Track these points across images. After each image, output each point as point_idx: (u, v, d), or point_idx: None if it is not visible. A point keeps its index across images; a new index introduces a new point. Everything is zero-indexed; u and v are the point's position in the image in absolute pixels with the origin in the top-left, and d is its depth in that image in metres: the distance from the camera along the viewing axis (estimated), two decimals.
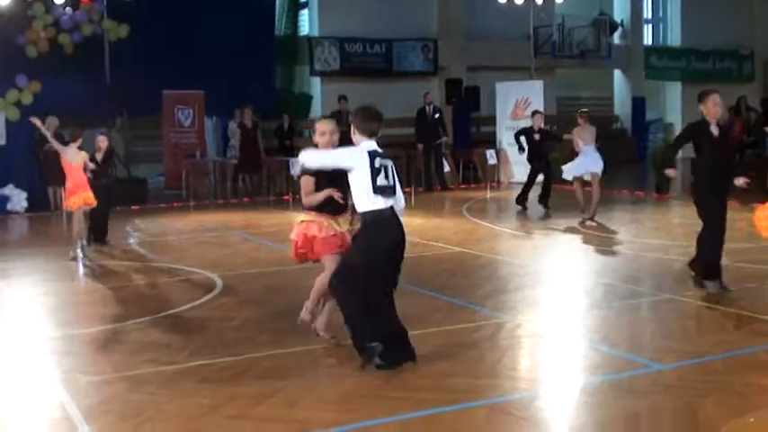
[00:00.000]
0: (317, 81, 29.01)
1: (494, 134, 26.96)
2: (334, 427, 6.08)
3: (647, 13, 36.65)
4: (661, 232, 15.41)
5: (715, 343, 8.10)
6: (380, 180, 7.26)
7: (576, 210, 16.78)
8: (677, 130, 32.71)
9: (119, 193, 21.54)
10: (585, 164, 16.67)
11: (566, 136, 17.91)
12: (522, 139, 19.11)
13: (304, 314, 8.22)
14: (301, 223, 8.04)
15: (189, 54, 23.28)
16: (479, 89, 29.11)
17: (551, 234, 15.73)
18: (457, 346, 8.12)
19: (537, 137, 18.80)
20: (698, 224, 10.25)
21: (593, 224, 16.11)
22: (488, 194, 22.45)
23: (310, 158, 7.53)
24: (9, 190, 20.66)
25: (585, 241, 14.76)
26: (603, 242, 14.46)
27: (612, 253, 13.43)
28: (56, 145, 14.58)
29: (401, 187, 7.75)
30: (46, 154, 20.65)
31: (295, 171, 7.80)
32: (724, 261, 10.33)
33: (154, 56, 22.50)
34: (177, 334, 8.83)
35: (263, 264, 12.43)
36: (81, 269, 13.20)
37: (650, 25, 36.98)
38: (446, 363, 7.59)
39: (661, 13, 37.17)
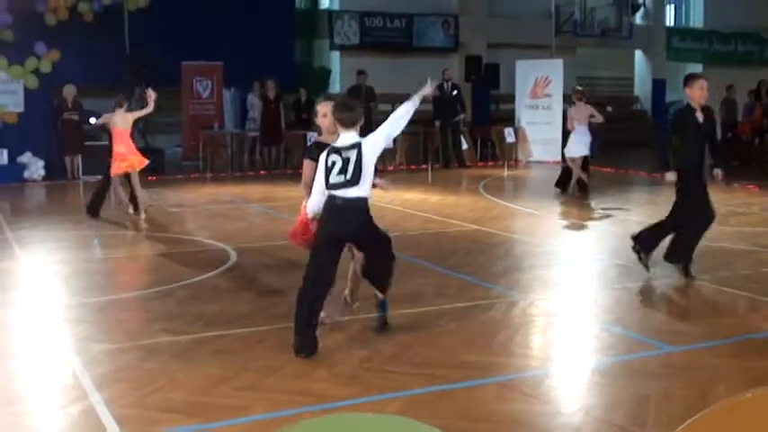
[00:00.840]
0: (336, 55, 28.95)
1: (512, 112, 26.87)
2: (344, 401, 6.10)
3: None
4: None
5: (727, 326, 8.09)
6: (333, 177, 7.20)
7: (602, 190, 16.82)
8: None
9: None
10: (586, 144, 16.93)
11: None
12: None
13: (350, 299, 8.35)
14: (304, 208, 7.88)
15: (208, 26, 23.28)
16: (499, 66, 29.00)
17: (567, 214, 15.71)
18: (469, 324, 8.13)
19: None
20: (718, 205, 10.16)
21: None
22: (506, 173, 22.39)
23: (313, 205, 7.55)
24: (26, 158, 20.72)
25: (601, 222, 14.74)
26: (619, 223, 14.42)
27: (627, 234, 13.36)
28: (105, 119, 14.65)
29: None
30: (63, 122, 20.73)
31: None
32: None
33: (173, 27, 22.50)
34: (191, 305, 8.86)
35: (279, 237, 12.41)
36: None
37: (673, 6, 36.72)
38: (458, 339, 7.60)
39: None
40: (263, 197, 17.49)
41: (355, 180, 7.18)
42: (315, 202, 7.47)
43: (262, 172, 22.09)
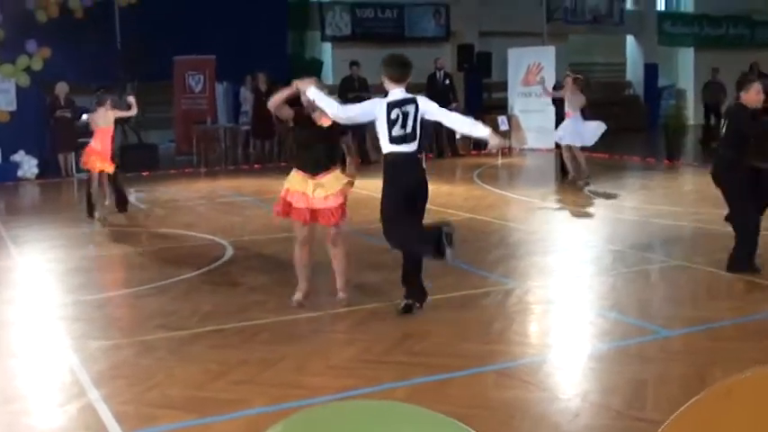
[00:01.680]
0: (328, 46, 28.90)
1: (505, 100, 26.86)
2: (342, 392, 6.10)
3: None
4: (671, 199, 15.37)
5: (724, 309, 8.11)
6: (396, 130, 7.65)
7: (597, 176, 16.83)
8: (689, 96, 32.58)
9: (133, 158, 21.68)
10: (582, 133, 16.83)
11: (554, 94, 18.01)
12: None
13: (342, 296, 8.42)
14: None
15: (200, 19, 23.21)
16: (491, 55, 28.96)
17: (561, 201, 15.71)
18: (466, 312, 8.15)
19: None
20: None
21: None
22: (499, 161, 22.39)
23: (339, 110, 7.91)
24: (20, 156, 20.69)
25: (595, 208, 14.75)
26: (613, 209, 14.45)
27: (622, 220, 13.40)
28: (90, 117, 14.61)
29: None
30: (56, 120, 20.69)
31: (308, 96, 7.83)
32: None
33: (164, 21, 22.43)
34: (187, 300, 8.86)
35: (274, 230, 12.40)
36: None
37: None
38: (455, 328, 7.61)
39: None
40: (257, 191, 17.46)
41: (415, 134, 7.74)
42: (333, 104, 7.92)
43: (255, 165, 22.05)
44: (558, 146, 18.22)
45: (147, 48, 21.80)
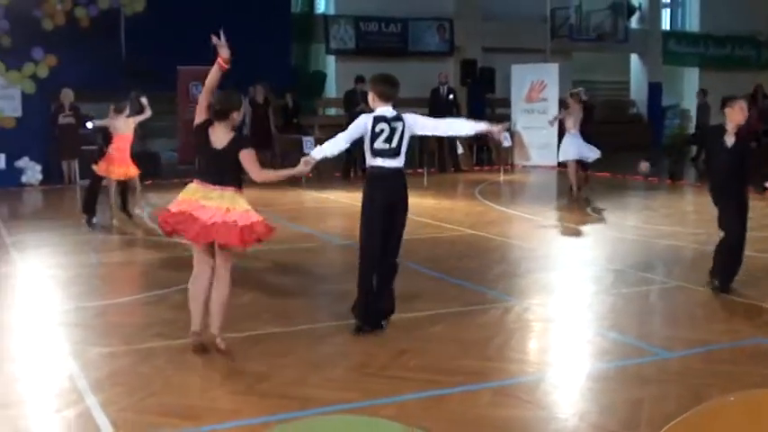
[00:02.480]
0: (331, 60, 28.97)
1: (509, 116, 26.89)
2: (337, 405, 6.12)
3: None
4: (673, 219, 15.38)
5: (723, 332, 8.12)
6: (378, 143, 7.76)
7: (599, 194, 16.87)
8: (693, 116, 32.64)
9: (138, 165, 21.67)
10: (582, 148, 17.05)
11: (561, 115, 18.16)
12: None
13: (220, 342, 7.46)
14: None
15: (204, 30, 23.03)
16: (495, 70, 29.03)
17: (563, 219, 15.72)
18: (465, 329, 8.15)
19: None
20: (709, 211, 10.12)
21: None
22: (502, 177, 22.42)
23: (326, 148, 8.04)
24: (24, 162, 20.75)
25: (597, 227, 14.76)
26: (615, 228, 14.45)
27: (623, 239, 13.41)
28: (105, 123, 14.70)
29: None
30: (60, 127, 20.74)
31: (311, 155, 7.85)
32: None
33: (169, 31, 22.48)
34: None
35: (273, 241, 12.34)
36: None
37: (668, 9, 36.77)
38: (453, 344, 7.62)
39: None
40: (258, 202, 17.41)
41: (398, 150, 7.80)
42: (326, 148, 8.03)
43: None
44: (562, 164, 18.33)
45: (152, 57, 21.87)
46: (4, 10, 20.49)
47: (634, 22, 33.68)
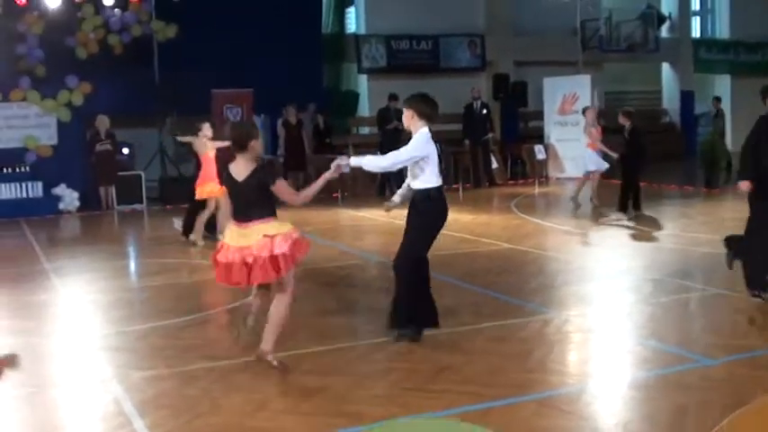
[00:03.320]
0: (364, 79, 29.08)
1: (541, 129, 26.89)
2: (382, 421, 6.14)
3: (695, 5, 36.30)
4: (710, 227, 15.29)
5: (765, 338, 8.09)
6: (441, 164, 8.10)
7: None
8: (727, 123, 32.44)
9: (173, 191, 21.94)
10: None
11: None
12: None
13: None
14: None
15: (237, 53, 23.44)
16: (527, 84, 29.05)
17: (599, 230, 15.68)
18: (505, 342, 8.17)
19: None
20: (743, 217, 9.98)
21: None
22: (537, 190, 22.42)
23: (372, 161, 8.09)
24: (61, 189, 20.96)
25: (633, 236, 14.72)
26: (652, 237, 14.42)
27: (661, 248, 13.38)
28: (191, 140, 15.10)
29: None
30: (97, 154, 20.94)
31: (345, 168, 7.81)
32: None
33: (202, 55, 22.66)
34: (228, 330, 8.94)
35: (313, 261, 12.49)
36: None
37: (698, 17, 36.64)
38: (494, 358, 7.63)
39: (709, 5, 36.80)
40: (295, 222, 17.44)
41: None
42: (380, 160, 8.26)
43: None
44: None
45: (186, 81, 22.05)
46: (39, 39, 20.76)
47: (664, 31, 33.59)
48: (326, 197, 21.22)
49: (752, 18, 34.58)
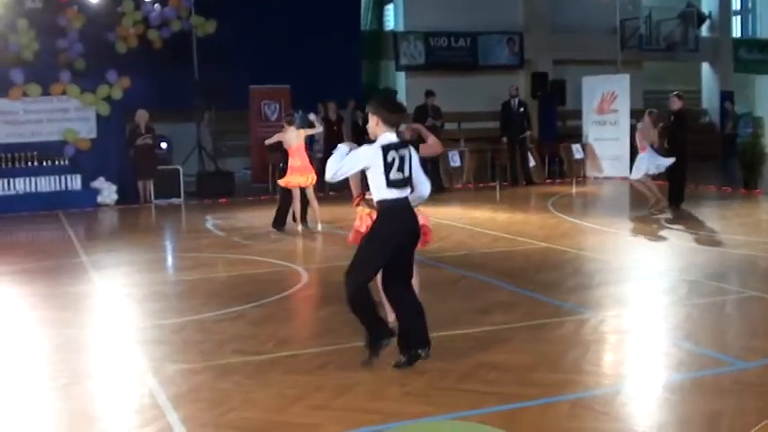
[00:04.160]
0: (401, 76, 29.09)
1: (579, 128, 26.77)
2: (416, 419, 6.15)
3: (736, 4, 36.02)
4: (748, 228, 15.19)
5: None
6: (393, 174, 7.26)
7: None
8: (767, 123, 32.19)
9: (211, 186, 22.10)
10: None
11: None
12: None
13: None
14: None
15: (275, 49, 23.55)
16: (565, 83, 28.95)
17: (636, 230, 15.59)
18: (540, 341, 8.15)
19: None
20: None
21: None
22: (574, 189, 22.33)
23: (332, 171, 7.48)
24: (99, 183, 21.10)
25: (670, 237, 14.62)
26: (689, 238, 14.32)
27: (698, 250, 13.28)
28: (278, 138, 15.57)
29: (426, 174, 7.87)
30: (137, 148, 21.08)
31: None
32: None
33: (241, 51, 22.80)
34: (263, 325, 8.97)
35: (348, 257, 12.48)
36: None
37: (739, 17, 36.36)
38: (529, 357, 7.61)
39: (750, 5, 36.52)
40: (332, 218, 17.50)
41: (410, 178, 7.41)
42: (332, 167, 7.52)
43: (331, 192, 22.13)
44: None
45: (224, 77, 22.19)
46: (79, 34, 20.92)
47: (704, 31, 33.38)
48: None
49: None
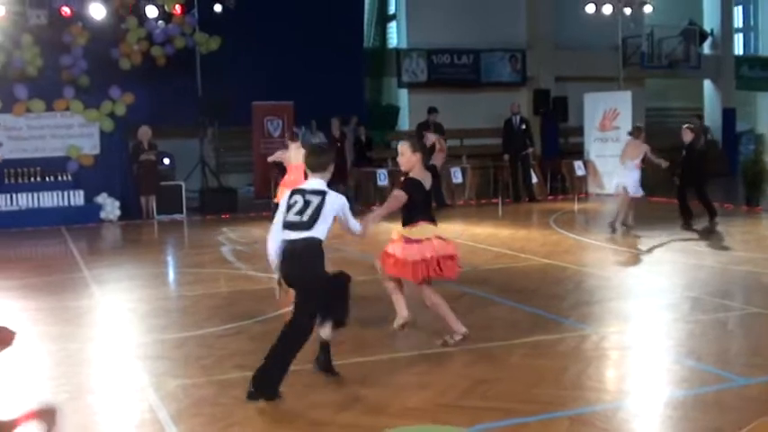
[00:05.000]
0: (404, 93, 29.12)
1: (582, 145, 26.79)
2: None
3: (738, 22, 36.08)
4: (750, 245, 15.19)
5: None
6: (291, 216, 7.29)
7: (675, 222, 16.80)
8: None
9: (213, 202, 22.11)
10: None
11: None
12: None
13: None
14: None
15: (278, 66, 23.60)
16: (567, 99, 28.99)
17: (638, 246, 15.58)
18: (541, 357, 8.15)
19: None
20: None
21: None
22: (576, 206, 22.33)
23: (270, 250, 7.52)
24: (102, 198, 21.13)
25: (673, 254, 14.61)
26: (691, 255, 14.31)
27: (700, 266, 13.27)
28: (279, 157, 15.48)
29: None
30: (140, 163, 21.12)
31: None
32: None
33: (244, 68, 22.84)
34: (265, 340, 8.91)
35: (352, 274, 12.49)
36: None
37: (741, 34, 36.42)
38: (530, 373, 7.61)
39: (752, 22, 36.58)
40: (333, 234, 17.43)
41: (311, 223, 7.27)
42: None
43: None
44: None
45: (227, 93, 22.23)
46: (83, 50, 20.99)
47: (706, 48, 33.43)
48: (365, 210, 21.27)
49: None
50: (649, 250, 14.98)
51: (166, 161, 23.28)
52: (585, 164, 25.44)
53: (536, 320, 9.71)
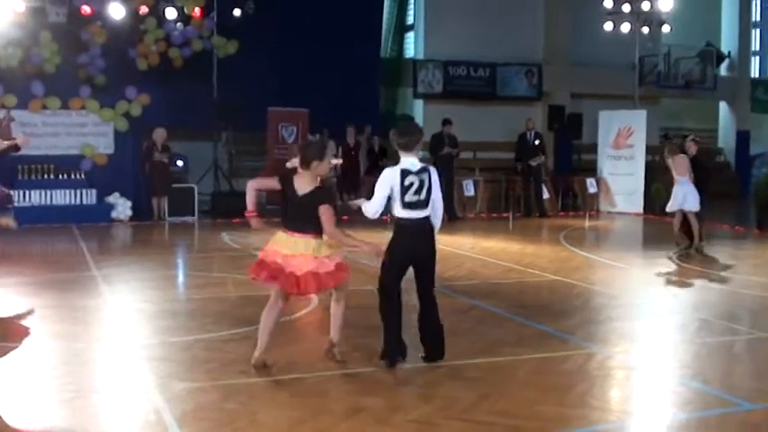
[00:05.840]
0: (419, 103, 29.15)
1: (595, 162, 26.78)
2: None
3: (756, 44, 36.04)
4: (761, 269, 15.15)
5: None
6: (409, 196, 8.01)
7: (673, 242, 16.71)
8: None
9: (225, 205, 22.11)
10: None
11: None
12: None
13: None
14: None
15: (295, 72, 23.64)
16: (582, 116, 28.98)
17: (648, 266, 15.57)
18: (546, 375, 8.14)
19: None
20: None
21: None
22: (587, 223, 22.32)
23: (369, 208, 8.33)
24: (114, 198, 21.19)
25: (682, 275, 14.59)
26: (701, 277, 14.29)
27: (709, 288, 13.26)
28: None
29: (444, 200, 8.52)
30: (153, 165, 21.17)
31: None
32: None
33: (260, 73, 22.87)
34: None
35: (359, 282, 12.43)
36: None
37: (758, 57, 36.38)
38: (535, 390, 7.61)
39: None
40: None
41: (427, 201, 8.02)
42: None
43: (344, 217, 22.13)
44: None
45: (243, 97, 22.27)
46: (101, 49, 21.06)
47: (723, 70, 33.42)
48: (377, 219, 21.25)
49: None
50: (658, 270, 14.95)
51: (179, 163, 23.34)
52: (598, 181, 25.43)
53: (542, 337, 9.70)
